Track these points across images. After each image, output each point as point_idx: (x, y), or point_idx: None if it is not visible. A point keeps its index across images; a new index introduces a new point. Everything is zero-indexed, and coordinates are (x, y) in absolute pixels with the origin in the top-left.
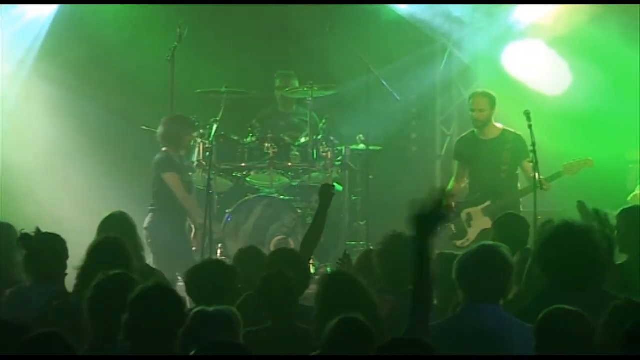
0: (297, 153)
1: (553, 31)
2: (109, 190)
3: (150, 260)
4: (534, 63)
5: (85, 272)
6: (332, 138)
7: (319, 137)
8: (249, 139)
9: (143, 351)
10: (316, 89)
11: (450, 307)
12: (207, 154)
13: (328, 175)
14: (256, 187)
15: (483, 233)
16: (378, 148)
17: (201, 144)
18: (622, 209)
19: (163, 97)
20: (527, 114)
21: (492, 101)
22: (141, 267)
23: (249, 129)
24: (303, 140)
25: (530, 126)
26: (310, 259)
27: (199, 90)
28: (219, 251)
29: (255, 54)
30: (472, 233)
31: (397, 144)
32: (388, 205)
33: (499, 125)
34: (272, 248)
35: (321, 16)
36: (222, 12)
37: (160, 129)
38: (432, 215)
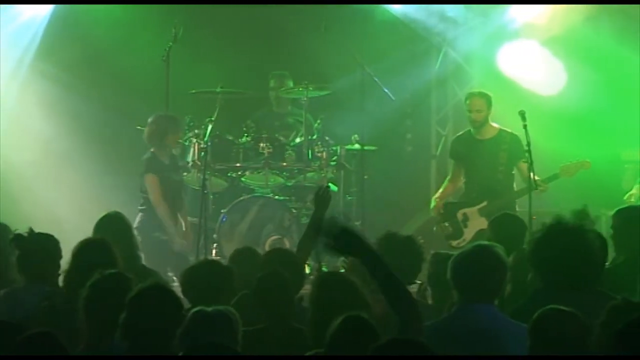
0: (292, 153)
1: (547, 31)
2: (104, 190)
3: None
4: (528, 63)
5: (71, 274)
6: (327, 138)
7: (314, 137)
8: (244, 139)
9: (140, 351)
10: (311, 89)
11: (445, 307)
12: (202, 154)
13: (323, 175)
14: (251, 187)
15: (479, 233)
16: (373, 148)
17: (196, 144)
18: (618, 209)
19: (158, 97)
20: (522, 114)
21: (488, 101)
22: (137, 267)
23: (244, 129)
24: (298, 140)
25: (525, 126)
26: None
27: (193, 90)
28: (214, 251)
29: (250, 54)
30: (469, 233)
31: (392, 143)
32: (383, 205)
33: (495, 125)
34: (267, 248)
35: (316, 17)
36: (217, 12)
37: (145, 129)
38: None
